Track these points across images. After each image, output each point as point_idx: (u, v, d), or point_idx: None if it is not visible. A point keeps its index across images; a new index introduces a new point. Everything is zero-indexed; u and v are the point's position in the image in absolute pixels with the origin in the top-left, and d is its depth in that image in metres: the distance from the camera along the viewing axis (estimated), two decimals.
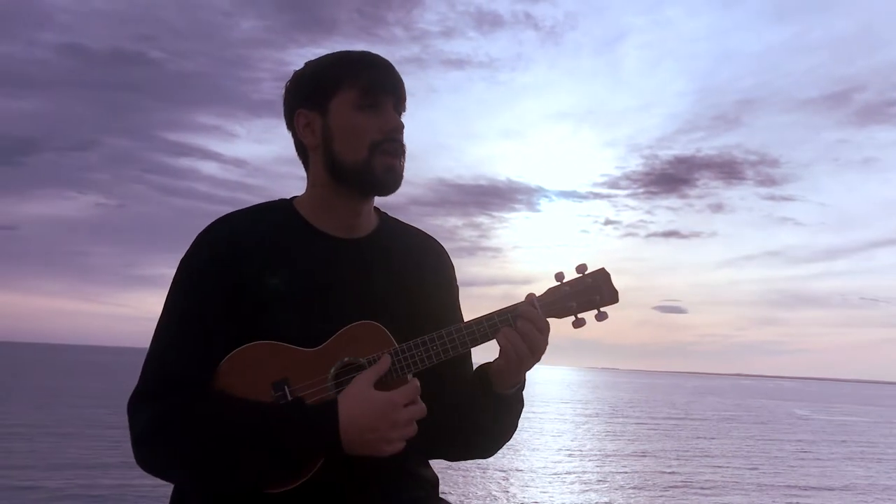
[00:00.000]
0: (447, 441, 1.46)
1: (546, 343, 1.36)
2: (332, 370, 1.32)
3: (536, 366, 1.40)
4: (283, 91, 1.47)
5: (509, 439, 1.49)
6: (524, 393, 1.49)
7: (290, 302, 1.33)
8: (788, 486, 13.64)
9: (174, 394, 1.28)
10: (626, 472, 13.94)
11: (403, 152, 1.42)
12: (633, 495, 11.47)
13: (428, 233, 1.57)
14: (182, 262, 1.37)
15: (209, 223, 1.41)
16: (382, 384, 1.28)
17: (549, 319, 1.37)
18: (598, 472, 13.47)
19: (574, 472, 13.13)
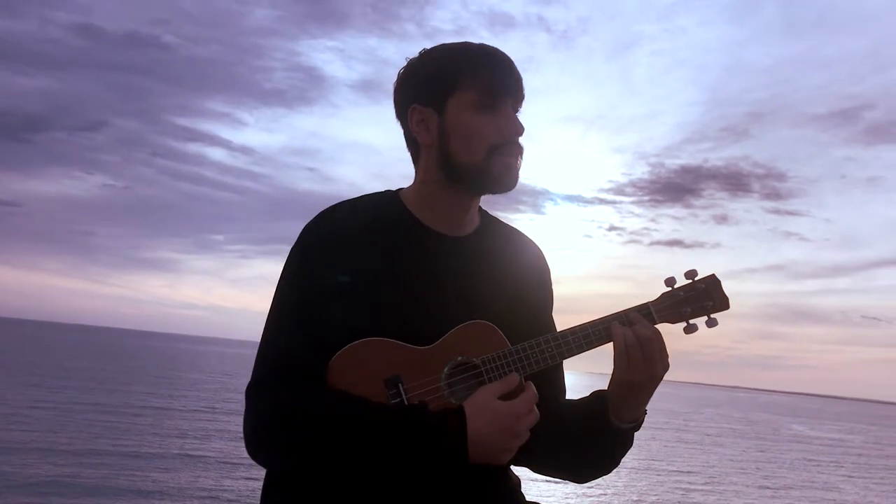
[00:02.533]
0: (545, 454, 1.40)
1: (663, 355, 1.31)
2: (445, 369, 1.30)
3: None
4: (396, 80, 1.42)
5: (608, 473, 1.44)
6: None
7: (395, 296, 1.31)
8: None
9: (293, 384, 1.26)
10: (623, 486, 13.82)
11: (522, 152, 1.38)
12: None
13: (528, 237, 1.53)
14: (292, 251, 1.36)
15: (318, 214, 1.39)
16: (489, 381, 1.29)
17: (661, 325, 1.36)
18: (596, 485, 13.37)
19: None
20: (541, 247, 1.53)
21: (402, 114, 1.40)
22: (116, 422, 16.23)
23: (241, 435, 1.32)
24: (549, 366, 1.33)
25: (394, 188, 1.46)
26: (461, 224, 1.41)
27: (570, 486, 12.34)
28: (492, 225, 1.47)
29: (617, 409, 1.35)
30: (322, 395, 1.25)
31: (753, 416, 52.81)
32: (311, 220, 1.38)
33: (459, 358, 1.30)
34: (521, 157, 1.37)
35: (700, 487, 14.88)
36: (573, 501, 11.75)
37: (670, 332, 1.37)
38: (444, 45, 1.39)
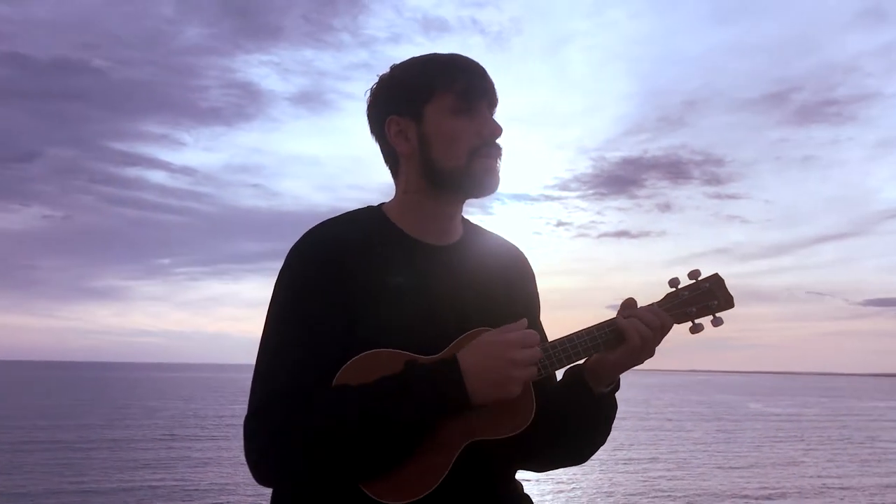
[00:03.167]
0: (542, 449, 1.41)
1: (657, 343, 1.35)
2: None
3: None
4: (369, 97, 1.42)
5: (604, 443, 1.46)
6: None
7: (393, 309, 1.30)
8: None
9: (302, 404, 1.22)
10: (593, 477, 13.92)
11: (501, 154, 1.39)
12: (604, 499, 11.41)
13: (510, 241, 1.54)
14: (283, 273, 1.33)
15: (303, 234, 1.37)
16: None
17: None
18: (566, 476, 13.43)
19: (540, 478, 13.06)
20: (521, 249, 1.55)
21: (379, 128, 1.40)
22: (74, 458, 15.76)
23: (207, 461, 1.26)
24: (556, 370, 1.32)
25: (375, 203, 1.46)
26: (447, 232, 1.42)
27: (544, 484, 12.39)
28: (474, 231, 1.48)
29: (595, 381, 1.37)
30: (316, 398, 1.22)
31: (712, 398, 53.82)
32: (299, 241, 1.35)
33: None
34: (501, 159, 1.39)
35: (667, 474, 15.06)
36: (548, 499, 11.78)
37: (674, 330, 1.37)
38: (414, 58, 1.41)
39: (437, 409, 1.19)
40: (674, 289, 1.38)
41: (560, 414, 1.37)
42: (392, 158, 1.42)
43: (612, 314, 1.35)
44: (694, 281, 1.38)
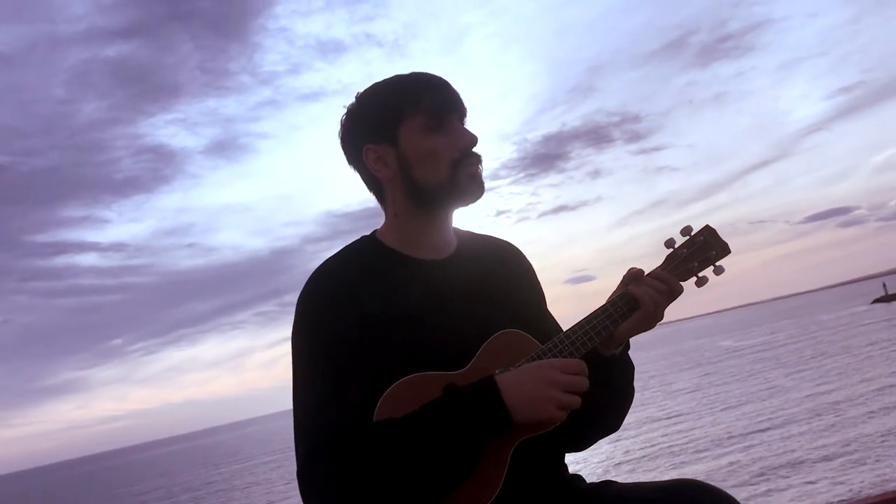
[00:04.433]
0: (580, 428, 1.44)
1: (666, 307, 1.41)
2: None
3: None
4: (340, 128, 1.45)
5: (630, 405, 1.50)
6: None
7: (411, 331, 1.32)
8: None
9: (338, 449, 1.23)
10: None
11: (481, 160, 1.42)
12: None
13: (502, 240, 1.58)
14: (297, 322, 1.35)
15: (308, 280, 1.39)
16: None
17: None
18: None
19: None
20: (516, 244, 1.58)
21: (356, 158, 1.43)
22: None
23: None
24: (582, 354, 1.35)
25: (367, 232, 1.48)
26: (443, 245, 1.44)
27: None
28: (467, 237, 1.51)
29: (606, 348, 1.42)
30: (375, 432, 1.23)
31: (685, 344, 54.73)
32: (306, 286, 1.37)
33: (498, 370, 1.29)
34: (482, 165, 1.42)
35: (672, 429, 15.16)
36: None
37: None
38: (377, 83, 1.43)
39: (479, 430, 1.22)
40: (671, 249, 1.45)
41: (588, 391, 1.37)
42: (375, 185, 1.45)
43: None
44: (688, 237, 1.45)
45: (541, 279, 1.51)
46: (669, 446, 13.46)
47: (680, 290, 1.41)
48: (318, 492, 1.23)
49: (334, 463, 1.21)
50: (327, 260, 1.41)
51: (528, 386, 1.23)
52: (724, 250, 1.46)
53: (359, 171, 1.45)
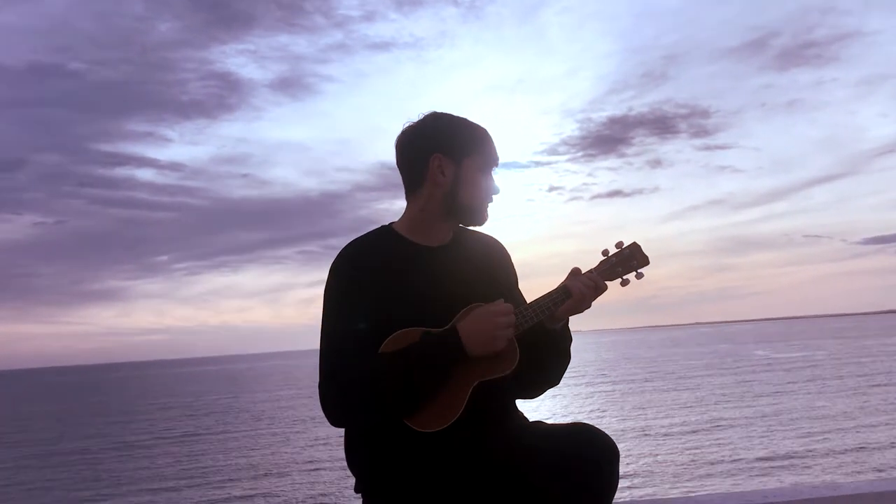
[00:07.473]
0: (528, 380, 1.91)
1: (593, 299, 1.88)
2: None
3: None
4: (411, 129, 1.88)
5: (567, 365, 1.97)
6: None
7: (411, 298, 1.81)
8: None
9: (351, 368, 1.73)
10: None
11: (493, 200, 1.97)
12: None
13: (487, 234, 2.05)
14: (329, 280, 1.84)
15: (339, 253, 1.87)
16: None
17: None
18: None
19: None
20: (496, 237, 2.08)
21: (422, 156, 1.86)
22: (103, 463, 15.72)
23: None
24: (531, 325, 1.83)
25: (386, 222, 1.96)
26: (443, 237, 1.93)
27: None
28: (460, 231, 1.98)
29: (550, 324, 1.89)
30: (378, 358, 1.73)
31: (718, 347, 53.93)
32: (336, 258, 1.85)
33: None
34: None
35: (717, 439, 15.03)
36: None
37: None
38: (455, 116, 1.91)
39: (447, 360, 1.72)
40: (605, 256, 1.93)
41: (534, 353, 1.88)
42: (418, 180, 1.88)
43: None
44: (619, 249, 1.93)
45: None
46: (718, 460, 13.35)
47: (604, 288, 1.87)
48: (335, 396, 1.74)
49: (348, 378, 1.72)
50: (354, 240, 1.89)
51: (479, 330, 1.73)
52: (643, 262, 1.94)
53: (409, 162, 1.88)
